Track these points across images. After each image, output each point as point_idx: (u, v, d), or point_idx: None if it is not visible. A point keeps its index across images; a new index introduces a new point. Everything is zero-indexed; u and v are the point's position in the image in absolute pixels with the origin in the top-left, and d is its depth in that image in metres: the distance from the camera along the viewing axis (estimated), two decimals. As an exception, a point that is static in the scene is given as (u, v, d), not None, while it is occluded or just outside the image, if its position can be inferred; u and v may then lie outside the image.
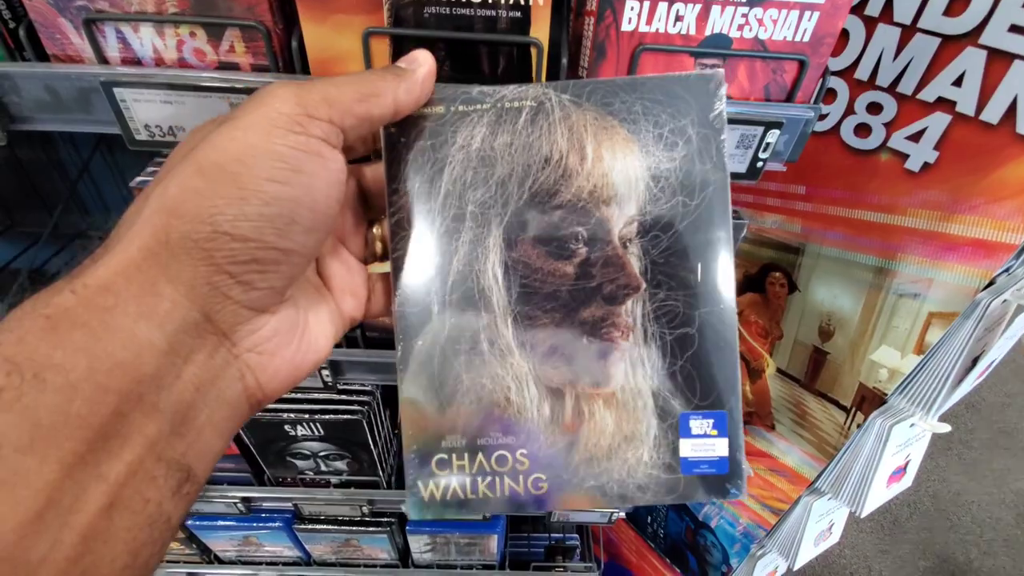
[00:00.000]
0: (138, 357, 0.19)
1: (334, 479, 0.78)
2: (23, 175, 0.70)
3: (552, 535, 1.01)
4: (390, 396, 0.78)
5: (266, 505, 0.82)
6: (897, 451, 0.62)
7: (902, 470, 0.68)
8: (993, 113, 0.46)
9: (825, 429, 0.67)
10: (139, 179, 0.45)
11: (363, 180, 0.30)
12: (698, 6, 0.33)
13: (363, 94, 0.24)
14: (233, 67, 0.35)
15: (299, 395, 0.69)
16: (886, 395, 0.59)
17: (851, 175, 0.56)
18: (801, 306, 0.66)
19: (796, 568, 0.78)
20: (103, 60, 0.34)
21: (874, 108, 0.53)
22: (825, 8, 0.33)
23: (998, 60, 0.44)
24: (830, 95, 0.55)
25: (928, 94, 0.49)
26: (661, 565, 1.02)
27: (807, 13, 0.34)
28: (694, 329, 0.29)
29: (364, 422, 0.68)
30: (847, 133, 0.56)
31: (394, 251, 0.28)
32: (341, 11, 0.32)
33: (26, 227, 0.73)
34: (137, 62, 0.35)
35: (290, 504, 0.81)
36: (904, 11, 0.48)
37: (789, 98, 0.37)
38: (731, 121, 0.37)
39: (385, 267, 0.30)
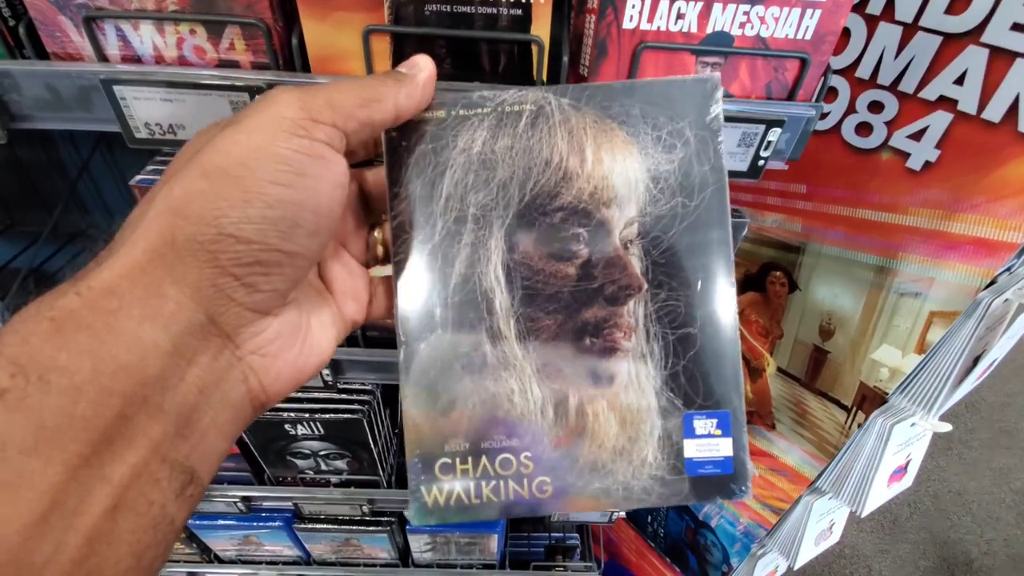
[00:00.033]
0: (142, 359, 0.19)
1: (334, 478, 0.78)
2: (23, 174, 0.70)
3: (552, 534, 1.01)
4: (390, 395, 0.77)
5: (266, 504, 0.82)
6: (898, 450, 0.62)
7: (903, 469, 0.67)
8: (995, 112, 0.46)
9: (826, 428, 0.67)
10: (139, 178, 0.45)
11: (364, 184, 0.30)
12: (700, 4, 0.33)
13: (365, 99, 0.24)
14: (233, 65, 0.35)
15: (299, 394, 0.69)
16: (887, 394, 0.59)
17: (852, 174, 0.56)
18: (802, 305, 0.66)
19: (796, 567, 0.78)
20: (103, 58, 0.34)
21: (875, 107, 0.53)
22: (827, 6, 0.33)
23: (1000, 58, 0.44)
24: (831, 94, 0.55)
25: (929, 93, 0.49)
26: (661, 564, 1.02)
27: (809, 11, 0.34)
28: (696, 329, 0.29)
29: (364, 421, 0.68)
30: (848, 132, 0.55)
31: (396, 254, 0.28)
32: (341, 8, 0.32)
33: (26, 226, 0.73)
34: (137, 60, 0.34)
35: (290, 503, 0.81)
36: (905, 9, 0.48)
37: (791, 96, 0.37)
38: (733, 119, 0.37)
39: (386, 270, 0.30)
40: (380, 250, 0.30)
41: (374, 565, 0.91)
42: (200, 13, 0.33)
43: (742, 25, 0.34)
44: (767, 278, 0.68)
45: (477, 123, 0.28)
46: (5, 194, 0.71)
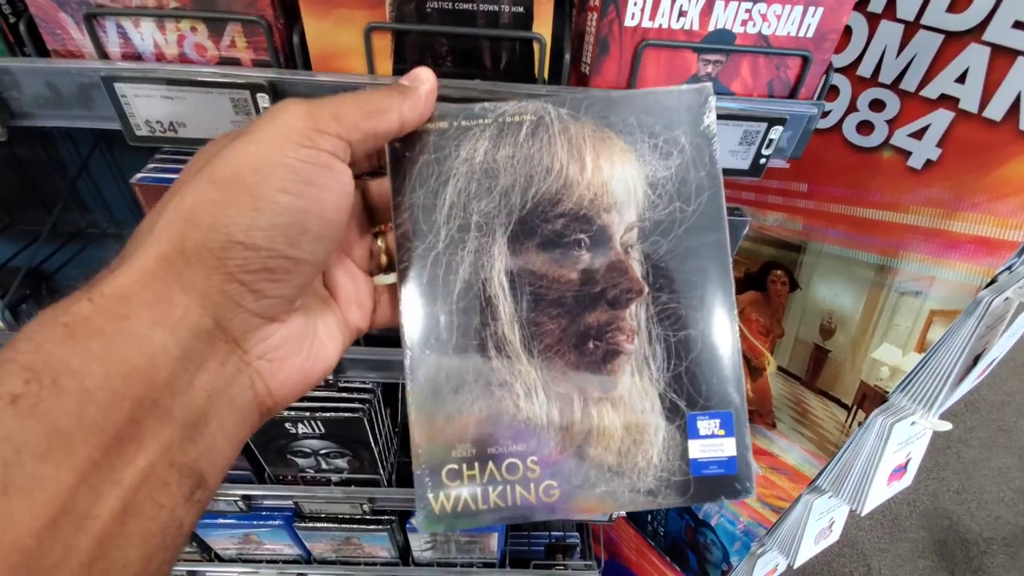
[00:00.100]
0: (152, 363, 0.20)
1: (335, 477, 0.78)
2: (23, 173, 0.70)
3: (552, 533, 1.01)
4: (391, 394, 0.77)
5: (266, 503, 0.82)
6: (898, 449, 0.62)
7: (903, 468, 0.68)
8: (996, 110, 0.46)
9: (826, 427, 0.67)
10: (140, 176, 0.45)
11: (368, 194, 0.30)
12: (701, 2, 0.33)
13: (369, 111, 0.25)
14: (234, 62, 0.35)
15: (300, 393, 0.69)
16: (887, 393, 0.59)
17: (853, 172, 0.56)
18: (802, 304, 0.66)
19: (796, 566, 0.78)
20: (104, 55, 0.34)
21: (877, 105, 0.53)
22: (829, 4, 0.33)
23: (1001, 57, 0.44)
24: (832, 92, 0.55)
25: (931, 91, 0.49)
26: (661, 563, 1.02)
27: (811, 9, 0.34)
28: (697, 330, 0.29)
29: (365, 420, 0.68)
30: (849, 130, 0.55)
31: (400, 262, 0.29)
32: (343, 6, 0.32)
33: (25, 225, 0.72)
34: (138, 57, 0.34)
35: (290, 502, 0.81)
36: (907, 8, 0.48)
37: (792, 94, 0.37)
38: (734, 117, 0.37)
39: (390, 278, 0.30)
40: (384, 258, 0.31)
41: (374, 564, 0.91)
42: (201, 10, 0.32)
43: (744, 23, 0.34)
44: (768, 277, 0.68)
45: (479, 133, 0.29)
46: (5, 193, 0.71)
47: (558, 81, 0.36)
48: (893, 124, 0.52)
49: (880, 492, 0.65)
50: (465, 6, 0.33)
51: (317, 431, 0.70)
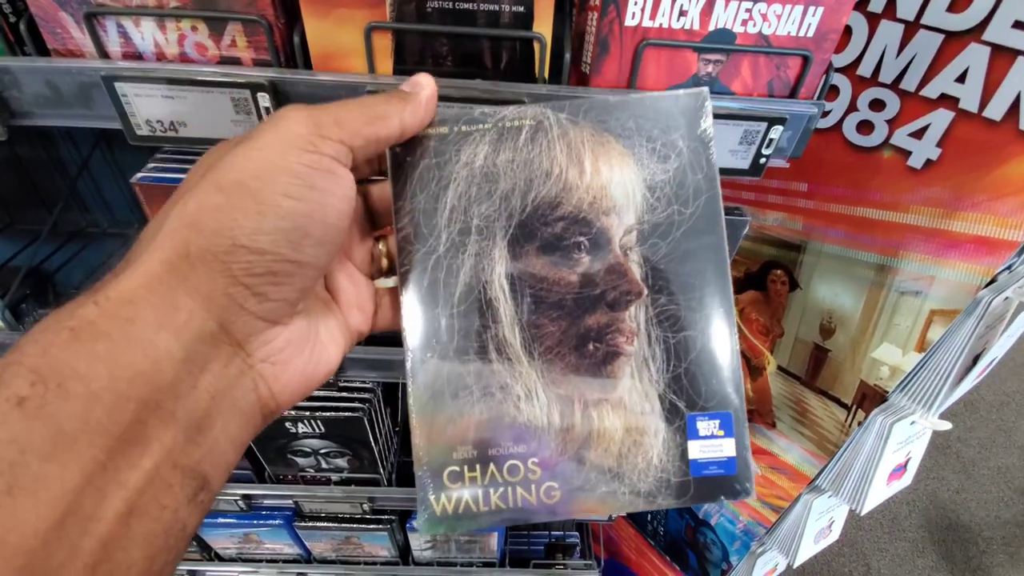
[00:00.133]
0: (157, 366, 0.20)
1: (335, 476, 0.78)
2: (23, 173, 0.70)
3: (552, 533, 1.01)
4: (391, 393, 0.77)
5: (267, 502, 0.82)
6: (898, 449, 0.62)
7: (902, 468, 0.68)
8: (996, 110, 0.46)
9: (826, 427, 0.67)
10: (140, 175, 0.45)
11: (369, 198, 0.30)
12: (702, 1, 0.33)
13: (371, 117, 0.25)
14: (235, 62, 0.35)
15: (300, 392, 0.69)
16: (887, 393, 0.60)
17: (853, 172, 0.56)
18: (802, 304, 0.66)
19: (796, 566, 0.78)
20: (104, 55, 0.34)
21: (877, 105, 0.53)
22: (829, 4, 0.33)
23: (1001, 56, 0.44)
24: (832, 92, 0.55)
25: (931, 91, 0.49)
26: (661, 563, 1.02)
27: (811, 9, 0.34)
28: (696, 331, 0.29)
29: (365, 419, 0.68)
30: (849, 130, 0.55)
31: (401, 265, 0.29)
32: (343, 5, 0.32)
33: (26, 225, 0.72)
34: (138, 56, 0.34)
35: (291, 501, 0.81)
36: (907, 7, 0.48)
37: (792, 94, 0.37)
38: (734, 117, 0.37)
39: (391, 282, 0.31)
40: (385, 262, 0.31)
41: (374, 563, 0.91)
42: (202, 10, 0.32)
43: (744, 22, 0.34)
44: (768, 276, 0.68)
45: (479, 138, 0.29)
46: (5, 192, 0.71)
47: (558, 81, 0.36)
48: (893, 124, 0.52)
49: (880, 492, 0.65)
50: (465, 6, 0.33)
51: (317, 430, 0.70)
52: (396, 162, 0.29)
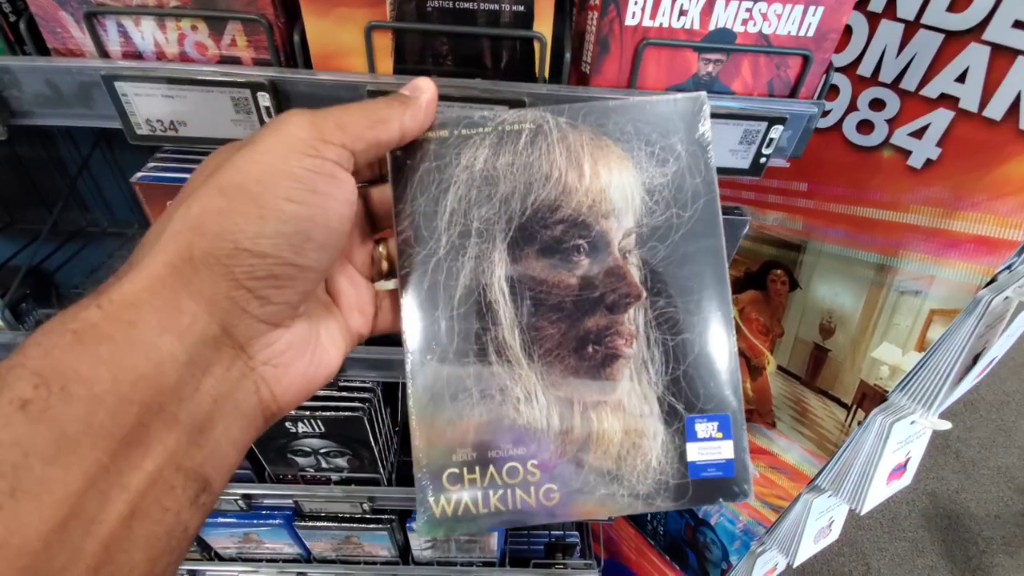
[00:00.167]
0: (159, 369, 0.20)
1: (335, 476, 0.78)
2: (23, 172, 0.70)
3: (552, 532, 1.01)
4: (391, 393, 0.78)
5: (267, 502, 0.82)
6: (897, 448, 0.62)
7: (902, 467, 0.68)
8: (996, 110, 0.46)
9: (826, 426, 0.67)
10: (140, 175, 0.45)
11: (369, 201, 0.31)
12: (702, 1, 0.33)
13: (372, 121, 0.25)
14: (235, 61, 0.35)
15: (300, 392, 0.69)
16: (887, 392, 0.60)
17: (853, 172, 0.56)
18: (802, 303, 0.66)
19: (796, 565, 0.78)
20: (104, 54, 0.34)
21: (877, 104, 0.53)
22: (829, 3, 0.33)
23: (1001, 56, 0.44)
24: (832, 91, 0.55)
25: (931, 90, 0.49)
26: (661, 562, 1.02)
27: (811, 8, 0.34)
28: (694, 334, 0.29)
29: (365, 419, 0.68)
30: (849, 130, 0.55)
31: (402, 268, 0.29)
32: (343, 4, 0.32)
33: (26, 224, 0.72)
34: (138, 56, 0.34)
35: (291, 501, 0.81)
36: (907, 7, 0.48)
37: (792, 94, 0.37)
38: (735, 116, 0.37)
39: (391, 284, 0.31)
40: (385, 265, 0.31)
41: (374, 562, 0.91)
42: (202, 9, 0.32)
43: (744, 22, 0.34)
44: (768, 276, 0.68)
45: (479, 141, 0.29)
46: (5, 191, 0.71)
47: (558, 80, 0.36)
48: (893, 123, 0.52)
49: (879, 491, 0.65)
50: (466, 5, 0.33)
51: (317, 430, 0.70)
52: (396, 165, 0.29)
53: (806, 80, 0.36)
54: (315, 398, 0.69)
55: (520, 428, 0.29)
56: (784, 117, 0.37)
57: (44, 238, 0.64)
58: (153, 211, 0.45)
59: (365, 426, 0.69)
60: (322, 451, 0.73)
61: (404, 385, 0.29)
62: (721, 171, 0.39)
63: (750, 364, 0.74)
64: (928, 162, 0.51)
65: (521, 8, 0.33)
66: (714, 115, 0.36)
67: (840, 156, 0.57)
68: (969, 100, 0.47)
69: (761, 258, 0.68)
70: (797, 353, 0.68)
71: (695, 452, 0.29)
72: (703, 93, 0.29)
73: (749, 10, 0.34)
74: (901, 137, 0.52)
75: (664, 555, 1.01)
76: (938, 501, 1.72)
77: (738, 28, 0.34)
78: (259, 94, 0.34)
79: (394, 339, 0.30)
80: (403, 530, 0.87)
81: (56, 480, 0.17)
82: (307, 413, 0.68)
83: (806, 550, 0.76)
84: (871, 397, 0.61)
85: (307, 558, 0.91)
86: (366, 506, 0.80)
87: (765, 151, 0.39)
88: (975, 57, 0.45)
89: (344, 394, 0.69)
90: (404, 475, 0.81)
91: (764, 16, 0.34)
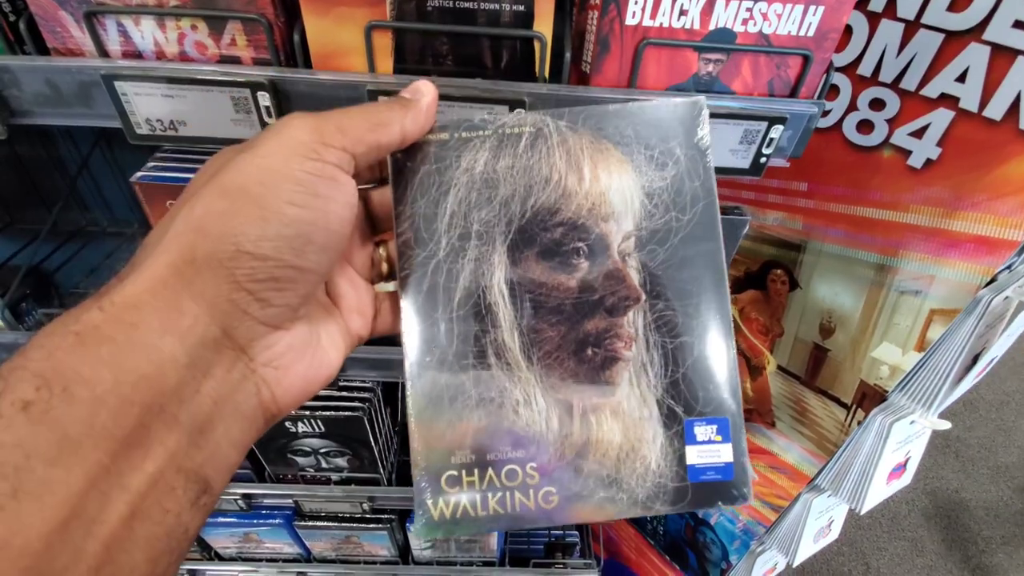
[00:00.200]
0: (161, 370, 0.20)
1: (335, 476, 0.78)
2: (23, 172, 0.70)
3: (552, 532, 1.01)
4: (391, 393, 0.78)
5: (267, 502, 0.82)
6: (897, 448, 0.62)
7: (902, 467, 0.68)
8: (996, 109, 0.46)
9: (825, 426, 0.67)
10: (140, 174, 0.44)
11: (369, 204, 0.31)
12: (702, 0, 0.33)
13: (373, 124, 0.25)
14: (235, 60, 0.35)
15: (300, 392, 0.69)
16: (887, 392, 0.60)
17: (853, 172, 0.56)
18: (802, 303, 0.66)
19: (795, 565, 0.78)
20: (104, 53, 0.34)
21: (877, 104, 0.53)
22: (830, 3, 0.33)
23: (1001, 56, 0.44)
24: (832, 91, 0.55)
25: (931, 90, 0.49)
26: (660, 562, 1.02)
27: (812, 8, 0.34)
28: (693, 337, 0.29)
29: (365, 419, 0.68)
30: (849, 129, 0.55)
31: (401, 270, 0.29)
32: (343, 4, 0.32)
33: (26, 224, 0.72)
34: (138, 55, 0.34)
35: (291, 501, 0.81)
36: (908, 7, 0.48)
37: (793, 93, 0.37)
38: (735, 116, 0.37)
39: (391, 286, 0.31)
40: (385, 267, 0.31)
41: (374, 562, 0.91)
42: (201, 8, 0.32)
43: (745, 22, 0.34)
44: (768, 276, 0.68)
45: (479, 144, 0.29)
46: (5, 191, 0.71)
47: (559, 80, 0.36)
48: (893, 123, 0.52)
49: (879, 491, 0.65)
50: (466, 4, 0.33)
51: (317, 430, 0.70)
52: (397, 168, 0.29)
53: (806, 80, 0.36)
54: (315, 398, 0.69)
55: (519, 430, 0.29)
56: (784, 117, 0.37)
57: (44, 238, 0.64)
58: (153, 211, 0.45)
59: (365, 426, 0.69)
60: (322, 451, 0.73)
61: (404, 385, 0.29)
62: (721, 171, 0.39)
63: (750, 364, 0.74)
64: (928, 162, 0.51)
65: (521, 8, 0.33)
66: (714, 115, 0.36)
67: (840, 156, 0.57)
68: (969, 100, 0.47)
69: (761, 258, 0.68)
70: (797, 353, 0.68)
71: (694, 455, 0.29)
72: (702, 98, 0.30)
73: (749, 10, 0.34)
74: (901, 137, 0.52)
75: (664, 555, 1.01)
76: (938, 501, 1.73)
77: (738, 28, 0.34)
78: (259, 94, 0.34)
79: (394, 339, 0.30)
80: (403, 530, 0.87)
81: (58, 481, 0.17)
82: (307, 413, 0.68)
83: (806, 550, 0.76)
84: (871, 397, 0.61)
85: (307, 558, 0.91)
86: (366, 506, 0.80)
87: (765, 151, 0.39)
88: (975, 57, 0.45)
89: (344, 394, 0.69)
90: (404, 475, 0.81)
91: (764, 16, 0.34)
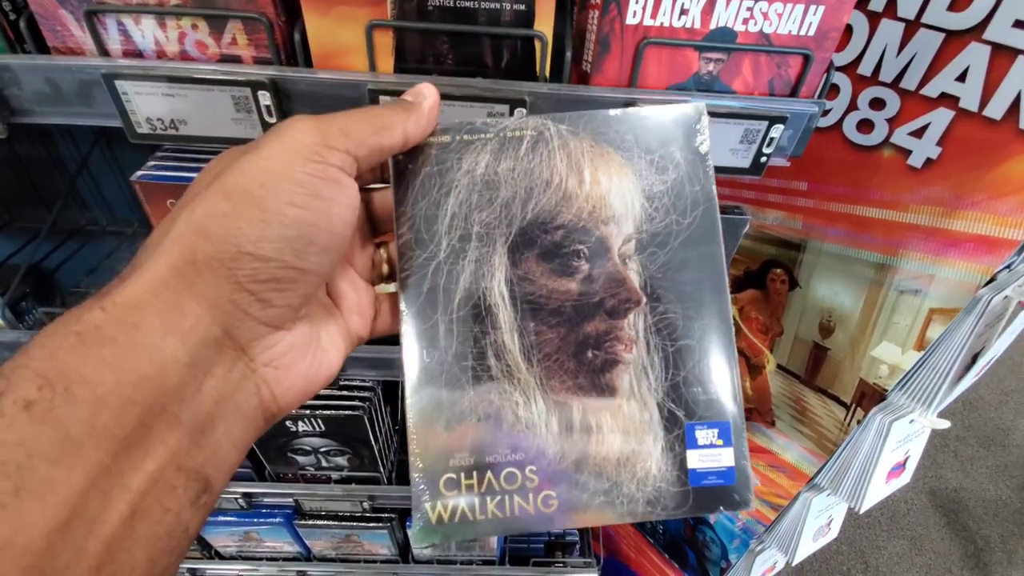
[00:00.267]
0: (162, 371, 0.20)
1: (335, 475, 0.78)
2: (22, 171, 0.70)
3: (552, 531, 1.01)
4: (391, 392, 0.78)
5: (267, 501, 0.82)
6: (897, 447, 0.62)
7: (901, 466, 0.68)
8: (996, 109, 0.46)
9: (825, 425, 0.67)
10: (140, 173, 0.44)
11: (370, 205, 0.31)
12: (703, 0, 0.33)
13: (376, 127, 0.25)
14: (235, 60, 0.35)
15: (300, 391, 0.69)
16: (886, 391, 0.60)
17: (853, 171, 0.56)
18: (802, 302, 0.66)
19: (795, 564, 0.78)
20: (104, 52, 0.34)
21: (877, 104, 0.53)
22: (830, 3, 0.33)
23: (1002, 55, 0.44)
24: (833, 90, 0.55)
25: (931, 90, 0.49)
26: (660, 561, 1.03)
27: (812, 7, 0.34)
28: (694, 340, 0.29)
29: (365, 418, 0.68)
30: (849, 129, 0.56)
31: (402, 271, 0.29)
32: (344, 3, 0.32)
33: (25, 223, 0.72)
34: (138, 54, 0.34)
35: (291, 500, 0.81)
36: (908, 6, 0.48)
37: (793, 93, 0.37)
38: (735, 116, 0.37)
39: (391, 287, 0.31)
40: (385, 268, 0.31)
41: (374, 561, 0.91)
42: (202, 7, 0.32)
43: (745, 21, 0.34)
44: (768, 275, 0.68)
45: (480, 147, 0.29)
46: (4, 190, 0.71)
47: (559, 79, 0.36)
48: (893, 123, 0.52)
49: (878, 490, 0.65)
50: (467, 4, 0.33)
51: (317, 429, 0.70)
52: (398, 169, 0.29)
53: (807, 79, 0.36)
54: (315, 397, 0.69)
55: (519, 433, 0.29)
56: (785, 116, 0.37)
57: (44, 237, 0.64)
58: (153, 210, 0.45)
59: (365, 425, 0.69)
60: (322, 450, 0.73)
61: (403, 385, 0.29)
62: (721, 170, 0.39)
63: (750, 363, 0.74)
64: (928, 161, 0.51)
65: (522, 7, 0.33)
66: (715, 114, 0.36)
67: (840, 155, 0.57)
68: (969, 99, 0.47)
69: (761, 257, 0.68)
70: (797, 352, 0.68)
71: (695, 459, 0.29)
72: (702, 103, 0.30)
73: (750, 9, 0.34)
74: (901, 136, 0.52)
75: (663, 553, 1.01)
76: (937, 499, 1.73)
77: (739, 27, 0.34)
78: (260, 93, 0.34)
79: (395, 338, 0.30)
80: (403, 529, 0.87)
81: (59, 480, 0.17)
82: (307, 412, 0.68)
83: (805, 548, 0.76)
84: (870, 396, 0.61)
85: (307, 556, 0.91)
86: (366, 505, 0.80)
87: (766, 150, 0.39)
88: (975, 56, 0.45)
89: (344, 393, 0.69)
90: (404, 474, 0.81)
91: (765, 15, 0.34)
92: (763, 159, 0.39)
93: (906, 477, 0.70)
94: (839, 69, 0.54)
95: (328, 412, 0.68)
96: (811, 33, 0.35)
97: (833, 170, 0.58)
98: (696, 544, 0.93)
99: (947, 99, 0.48)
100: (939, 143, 0.50)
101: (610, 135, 0.29)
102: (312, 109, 0.35)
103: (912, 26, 0.48)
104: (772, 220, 0.65)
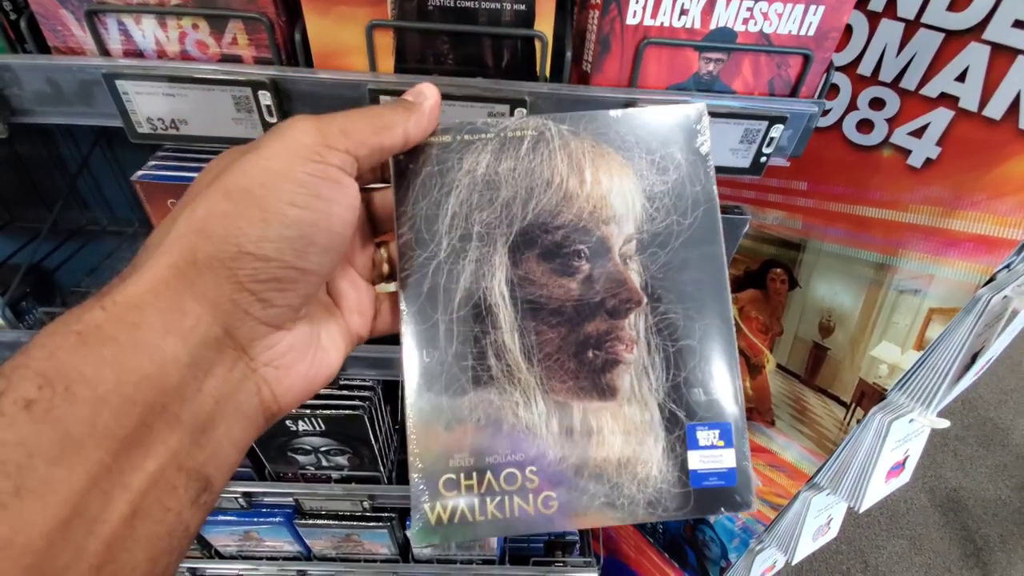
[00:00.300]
0: (163, 370, 0.20)
1: (335, 474, 0.78)
2: (23, 170, 0.70)
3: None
4: (391, 391, 0.78)
5: (267, 500, 0.82)
6: (896, 446, 0.62)
7: (901, 465, 0.68)
8: (996, 109, 0.46)
9: (825, 425, 0.67)
10: (140, 173, 0.45)
11: (371, 205, 0.31)
12: (703, 0, 0.33)
13: (376, 127, 0.25)
14: (236, 60, 0.35)
15: (300, 390, 0.69)
16: (886, 391, 0.60)
17: (853, 171, 0.57)
18: (802, 302, 0.66)
19: (794, 563, 0.79)
20: (105, 52, 0.34)
21: (877, 104, 0.53)
22: (830, 3, 0.33)
23: (1001, 55, 0.44)
24: (832, 90, 0.55)
25: (931, 90, 0.49)
26: (660, 560, 1.03)
27: (812, 7, 0.34)
28: (695, 341, 0.29)
29: (365, 417, 0.68)
30: (849, 129, 0.56)
31: (402, 271, 0.29)
32: (344, 3, 0.32)
33: (26, 222, 0.72)
34: (139, 54, 0.34)
35: (291, 499, 0.82)
36: (908, 6, 0.48)
37: (793, 93, 0.37)
38: (735, 115, 0.37)
39: (391, 287, 0.31)
40: (386, 267, 0.31)
41: (374, 560, 0.91)
42: (202, 7, 0.32)
43: (745, 21, 0.34)
44: (767, 275, 0.68)
45: (481, 147, 0.29)
46: (5, 190, 0.71)
47: (559, 79, 0.37)
48: (893, 123, 0.52)
49: (878, 489, 0.65)
50: (467, 4, 0.33)
51: (318, 428, 0.70)
52: (399, 169, 0.29)
53: (807, 79, 0.36)
54: (315, 396, 0.69)
55: (519, 433, 0.29)
56: (785, 116, 0.37)
57: (44, 236, 0.64)
58: (153, 210, 0.45)
59: (365, 424, 0.69)
60: (322, 449, 0.74)
61: (403, 385, 0.29)
62: (722, 170, 0.39)
63: (749, 362, 0.74)
64: (928, 161, 0.51)
65: (522, 7, 0.33)
66: (715, 114, 0.36)
67: (840, 155, 0.57)
68: (969, 99, 0.47)
69: (761, 257, 0.68)
70: (796, 351, 0.68)
71: (697, 460, 0.29)
72: (702, 104, 0.30)
73: (750, 9, 0.34)
74: (901, 136, 0.52)
75: (663, 553, 1.01)
76: (936, 499, 1.73)
77: (739, 27, 0.34)
78: (260, 92, 0.34)
79: (395, 338, 0.30)
80: (403, 528, 0.87)
81: (60, 480, 0.17)
82: (307, 411, 0.68)
83: (805, 548, 0.76)
84: (870, 395, 0.61)
85: (307, 556, 0.91)
86: (366, 504, 0.80)
87: (766, 150, 0.39)
88: (975, 56, 0.45)
89: (344, 392, 0.69)
90: (404, 473, 0.81)
91: (765, 15, 0.34)
92: (763, 159, 0.39)
93: (905, 476, 0.70)
94: (839, 69, 0.54)
95: (328, 411, 0.68)
96: (811, 33, 0.35)
97: (833, 170, 0.58)
98: (696, 543, 0.93)
99: (947, 99, 0.48)
100: (939, 143, 0.50)
101: (611, 135, 0.29)
102: (312, 109, 0.35)
103: (912, 26, 0.48)
104: (772, 220, 0.65)
